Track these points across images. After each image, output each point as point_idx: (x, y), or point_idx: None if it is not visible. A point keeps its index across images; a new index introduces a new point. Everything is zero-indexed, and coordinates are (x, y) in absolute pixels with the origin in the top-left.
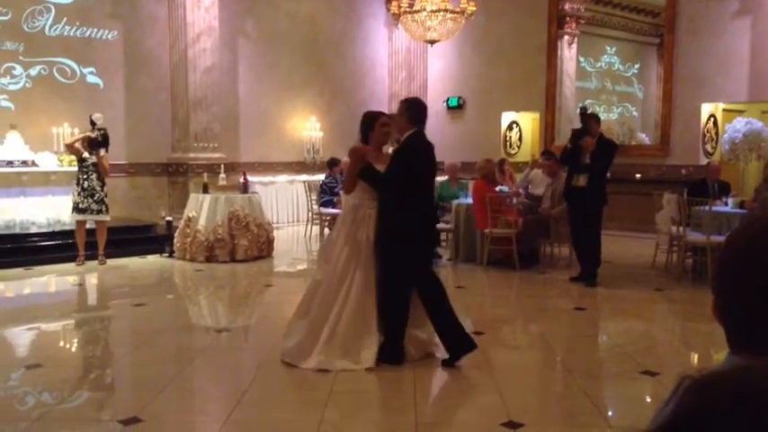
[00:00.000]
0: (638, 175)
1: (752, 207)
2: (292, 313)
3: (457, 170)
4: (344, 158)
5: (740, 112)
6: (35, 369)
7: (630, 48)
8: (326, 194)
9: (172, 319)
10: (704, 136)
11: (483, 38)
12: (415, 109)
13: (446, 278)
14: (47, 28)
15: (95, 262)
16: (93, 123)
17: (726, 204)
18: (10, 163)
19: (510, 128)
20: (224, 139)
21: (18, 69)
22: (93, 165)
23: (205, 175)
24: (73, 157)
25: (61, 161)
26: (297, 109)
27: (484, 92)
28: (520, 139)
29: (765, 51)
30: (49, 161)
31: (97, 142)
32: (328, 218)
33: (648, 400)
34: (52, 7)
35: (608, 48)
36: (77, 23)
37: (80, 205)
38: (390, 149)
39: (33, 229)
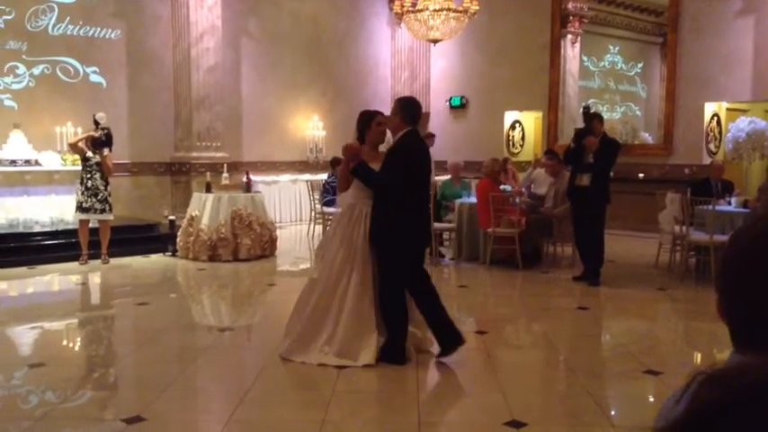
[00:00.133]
0: (641, 175)
1: (755, 206)
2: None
3: (459, 169)
4: None
5: (744, 111)
6: (38, 368)
7: (634, 47)
8: (329, 194)
9: (175, 318)
10: (707, 135)
11: (486, 37)
12: (408, 108)
13: (449, 277)
14: (50, 27)
15: (98, 261)
16: (96, 123)
17: (729, 203)
18: (13, 162)
19: (513, 127)
20: (227, 139)
21: (21, 68)
22: (97, 164)
23: (208, 174)
24: (76, 157)
25: (64, 160)
26: (300, 108)
27: (487, 91)
28: (523, 138)
29: None
30: (52, 160)
31: (100, 141)
32: (331, 217)
33: (651, 399)
34: (55, 6)
35: (611, 47)
36: (80, 23)
37: (83, 204)
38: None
39: (37, 229)
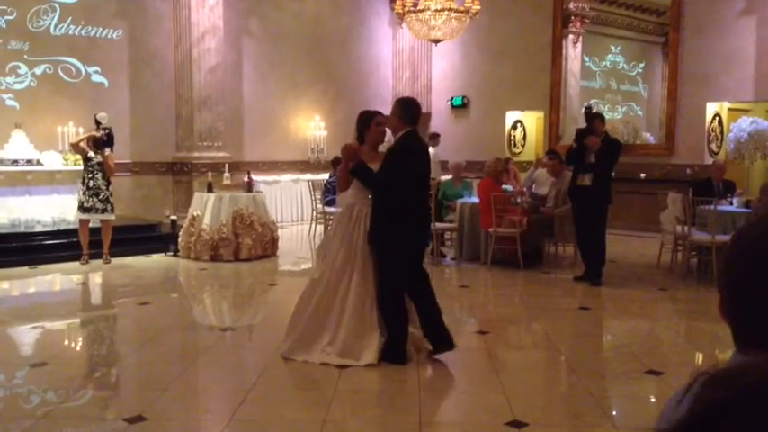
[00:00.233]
0: (642, 175)
1: (757, 206)
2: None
3: (461, 169)
4: None
5: (745, 111)
6: (40, 367)
7: (635, 47)
8: (331, 193)
9: (176, 317)
10: (709, 135)
11: (487, 37)
12: (408, 109)
13: (450, 277)
14: (52, 27)
15: (100, 261)
16: (97, 123)
17: (731, 203)
18: (15, 162)
19: (514, 127)
20: (228, 139)
21: (23, 68)
22: (99, 164)
23: (209, 174)
24: (78, 157)
25: (66, 160)
26: (301, 108)
27: (488, 91)
28: (524, 138)
29: None
30: (54, 160)
31: (102, 141)
32: (332, 217)
33: (653, 399)
34: (57, 6)
35: (613, 47)
36: (82, 23)
37: (85, 204)
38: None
39: (38, 228)
